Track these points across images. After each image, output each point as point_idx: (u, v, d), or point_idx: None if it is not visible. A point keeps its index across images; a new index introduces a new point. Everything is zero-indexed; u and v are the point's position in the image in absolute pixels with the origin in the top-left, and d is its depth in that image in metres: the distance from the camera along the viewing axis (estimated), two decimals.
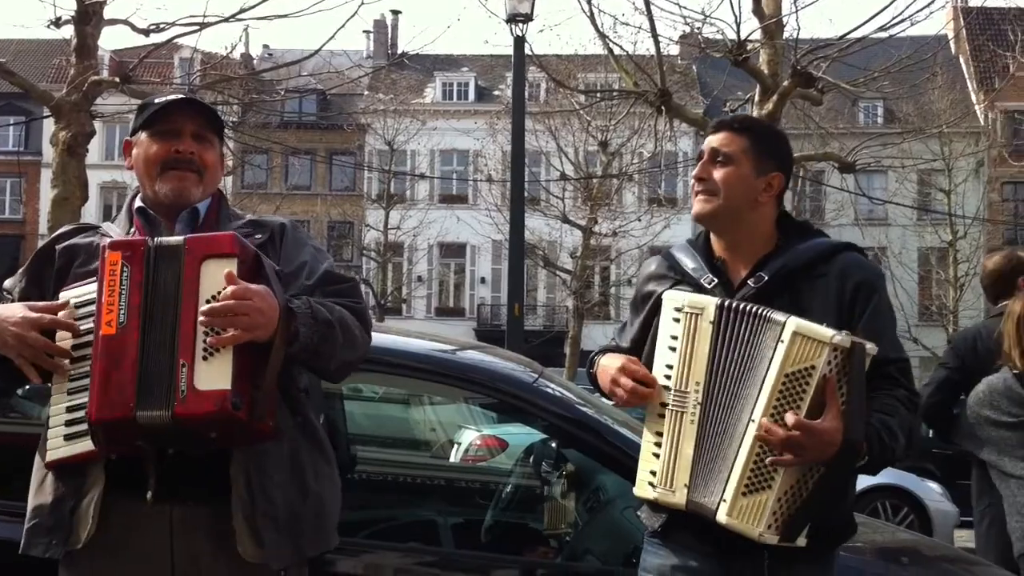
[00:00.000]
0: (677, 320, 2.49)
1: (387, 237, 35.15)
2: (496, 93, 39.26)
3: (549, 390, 3.68)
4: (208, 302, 2.20)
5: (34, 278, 2.51)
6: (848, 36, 11.03)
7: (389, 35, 42.75)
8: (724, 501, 2.36)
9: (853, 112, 33.21)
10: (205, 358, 2.19)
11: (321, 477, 2.45)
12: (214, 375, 2.18)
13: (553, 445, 4.44)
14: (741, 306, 2.42)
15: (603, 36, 11.84)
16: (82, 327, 2.31)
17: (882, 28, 10.85)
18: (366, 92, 37.85)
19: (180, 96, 2.57)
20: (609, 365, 2.59)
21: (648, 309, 2.66)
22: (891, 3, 10.39)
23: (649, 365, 2.55)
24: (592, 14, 11.50)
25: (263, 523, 2.29)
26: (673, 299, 2.53)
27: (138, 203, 2.56)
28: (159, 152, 2.49)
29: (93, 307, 2.28)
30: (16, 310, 2.32)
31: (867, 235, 34.92)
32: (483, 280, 39.75)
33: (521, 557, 3.79)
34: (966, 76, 39.23)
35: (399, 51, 37.13)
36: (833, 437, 2.29)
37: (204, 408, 2.16)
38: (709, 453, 2.41)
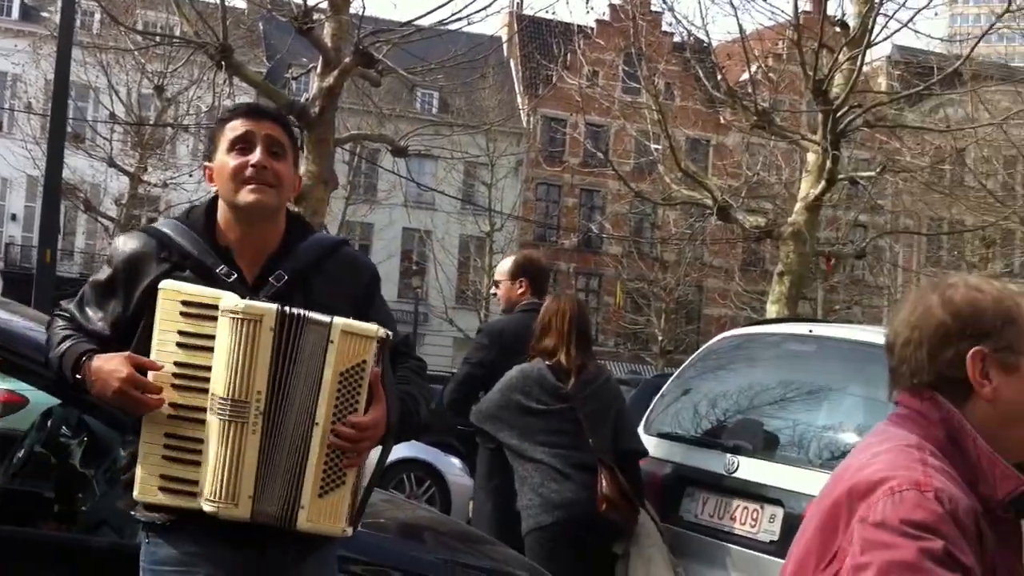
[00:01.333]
0: (189, 316, 2.34)
1: None
2: (44, 15, 35.86)
3: None
4: None
5: None
6: (410, 24, 11.38)
7: None
8: (303, 507, 2.35)
9: (411, 97, 34.39)
10: None
11: None
12: None
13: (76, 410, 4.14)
14: (296, 312, 2.36)
15: None
16: None
17: (441, 23, 11.33)
18: None
19: None
20: (109, 372, 2.34)
21: (140, 295, 2.44)
22: (450, 0, 10.85)
23: (143, 354, 2.38)
24: None
25: None
26: (198, 296, 2.36)
27: None
28: None
29: None
30: None
31: (415, 218, 36.41)
32: (14, 217, 36.39)
33: (30, 529, 3.49)
34: (515, 80, 42.05)
35: None
36: (382, 424, 2.42)
37: None
38: (276, 462, 2.36)
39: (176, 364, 2.35)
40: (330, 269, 2.57)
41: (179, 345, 2.35)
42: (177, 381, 2.35)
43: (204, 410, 2.35)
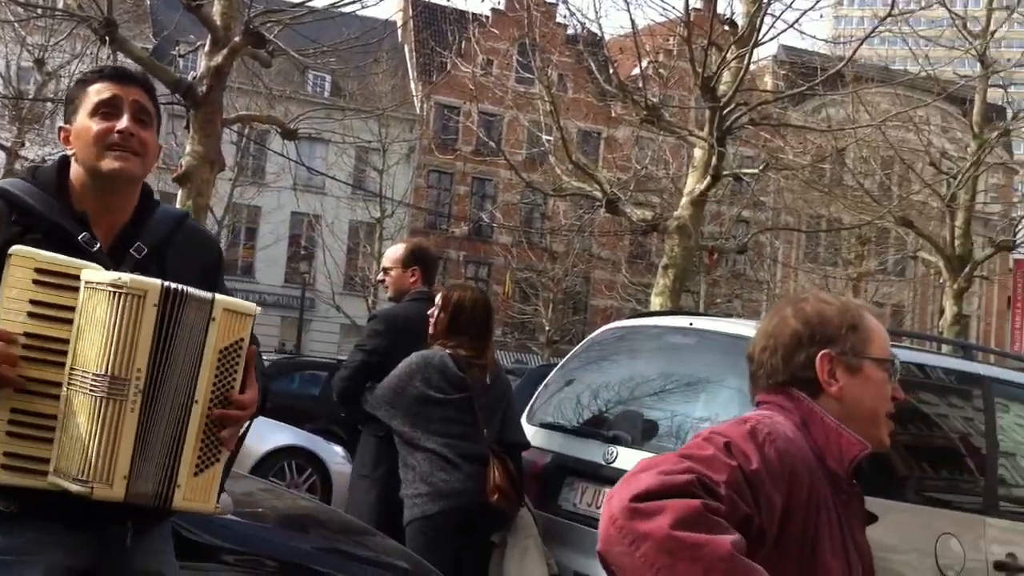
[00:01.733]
0: (44, 285, 2.24)
1: None
2: None
3: None
4: None
5: None
6: (302, 5, 11.26)
7: None
8: (179, 486, 2.31)
9: (302, 79, 33.92)
10: None
11: None
12: None
13: None
14: (180, 288, 2.30)
15: None
16: None
17: (334, 5, 11.22)
18: None
19: None
20: None
21: None
22: None
23: None
24: None
25: None
26: (56, 265, 2.25)
27: None
28: None
29: None
30: None
31: (304, 202, 35.94)
32: None
33: None
34: (409, 66, 41.82)
35: None
36: (256, 401, 2.43)
37: None
38: (152, 441, 2.29)
39: (26, 335, 2.23)
40: (179, 242, 2.52)
41: (31, 315, 2.23)
42: (27, 353, 2.22)
43: (58, 384, 2.24)
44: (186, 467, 2.31)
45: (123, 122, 2.39)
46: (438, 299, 4.68)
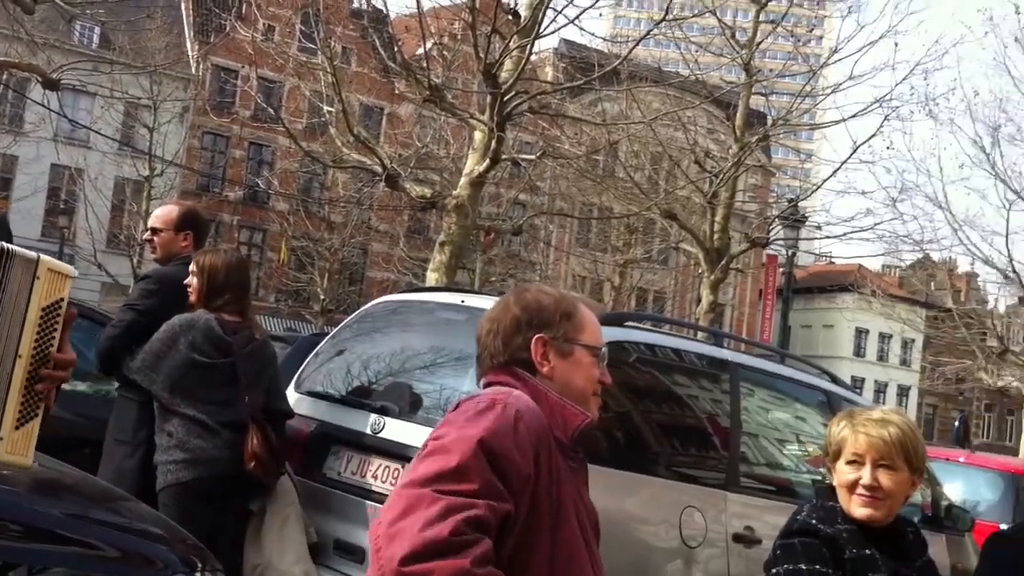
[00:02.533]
0: None
1: None
2: None
3: None
4: None
5: None
6: None
7: None
8: (1, 439, 2.35)
9: (69, 29, 32.02)
10: None
11: None
12: None
13: None
14: (8, 247, 2.36)
15: None
16: None
17: None
18: None
19: None
20: None
21: None
22: None
23: None
24: None
25: None
26: None
27: None
28: None
29: None
30: None
31: (65, 154, 33.95)
32: None
33: None
34: (185, 24, 40.18)
35: None
36: (74, 361, 2.50)
37: None
38: None
39: None
40: None
41: None
42: None
43: None
44: (9, 420, 2.36)
45: None
46: (192, 266, 4.58)
